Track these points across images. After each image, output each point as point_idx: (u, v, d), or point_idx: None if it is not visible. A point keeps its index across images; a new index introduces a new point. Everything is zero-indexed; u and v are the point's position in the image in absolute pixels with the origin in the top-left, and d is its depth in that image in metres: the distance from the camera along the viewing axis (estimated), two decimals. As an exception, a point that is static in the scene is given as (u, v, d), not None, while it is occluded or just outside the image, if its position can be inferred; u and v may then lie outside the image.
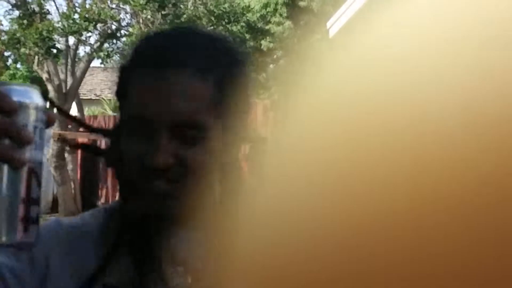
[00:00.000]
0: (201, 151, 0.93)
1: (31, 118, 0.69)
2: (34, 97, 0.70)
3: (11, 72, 29.32)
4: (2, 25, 15.97)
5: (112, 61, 7.11)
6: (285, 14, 16.28)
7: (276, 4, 16.25)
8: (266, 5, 16.35)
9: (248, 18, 7.68)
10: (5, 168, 0.67)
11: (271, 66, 17.27)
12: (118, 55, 6.93)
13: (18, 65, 30.07)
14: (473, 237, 0.30)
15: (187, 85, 0.92)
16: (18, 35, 7.52)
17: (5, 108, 0.67)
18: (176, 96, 0.91)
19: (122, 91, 0.99)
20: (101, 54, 6.91)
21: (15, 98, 0.68)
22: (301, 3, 15.92)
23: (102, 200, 13.51)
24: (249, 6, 7.19)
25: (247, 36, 8.05)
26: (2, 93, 0.68)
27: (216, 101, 0.93)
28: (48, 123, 0.73)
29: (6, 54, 21.98)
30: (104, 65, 8.46)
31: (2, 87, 0.68)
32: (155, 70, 0.92)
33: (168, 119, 0.90)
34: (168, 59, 0.92)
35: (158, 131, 0.90)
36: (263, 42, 15.33)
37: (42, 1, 9.01)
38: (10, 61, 28.36)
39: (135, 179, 0.93)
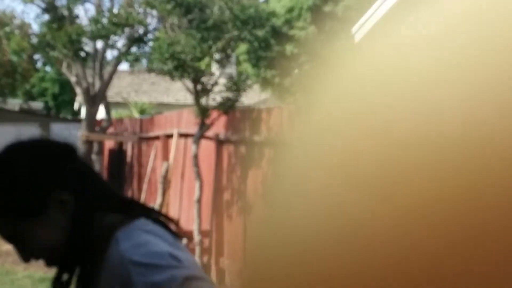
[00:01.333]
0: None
1: None
2: None
3: (40, 75, 29.75)
4: (31, 28, 16.25)
5: (139, 64, 7.23)
6: (309, 19, 16.31)
7: (301, 9, 16.30)
8: (290, 10, 16.39)
9: (273, 23, 7.73)
10: None
11: (296, 71, 17.29)
12: (146, 59, 7.03)
13: (47, 68, 30.47)
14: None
15: None
16: (48, 38, 7.67)
17: None
18: None
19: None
20: (129, 58, 7.01)
21: None
22: (326, 8, 15.94)
23: (128, 202, 13.62)
24: (274, 11, 7.25)
25: (272, 41, 8.11)
26: None
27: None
28: None
29: (35, 57, 22.27)
30: (132, 69, 8.59)
31: None
32: None
33: None
34: None
35: None
36: (287, 47, 15.37)
37: (71, 6, 9.17)
38: (39, 64, 28.78)
39: None
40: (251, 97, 22.28)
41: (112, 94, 22.41)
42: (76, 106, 24.09)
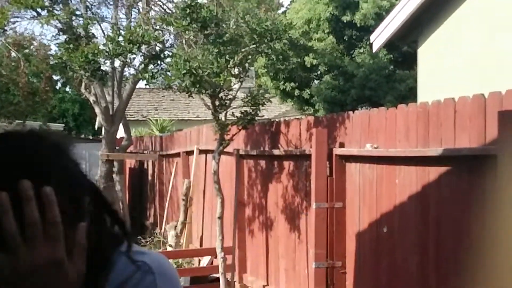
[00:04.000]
0: None
1: None
2: None
3: (60, 95, 29.98)
4: (50, 49, 16.36)
5: (156, 82, 7.17)
6: (327, 30, 16.23)
7: (319, 20, 16.22)
8: (309, 21, 16.33)
9: (290, 35, 7.64)
10: None
11: (315, 82, 17.20)
12: (162, 76, 6.97)
13: (67, 89, 30.73)
14: None
15: None
16: (64, 58, 7.65)
17: None
18: None
19: None
20: (146, 75, 6.95)
21: None
22: (344, 18, 15.85)
23: (151, 220, 13.59)
24: (291, 23, 7.17)
25: (290, 53, 8.03)
26: None
27: None
28: None
29: (55, 78, 22.42)
30: (150, 86, 8.57)
31: None
32: None
33: None
34: None
35: None
36: (306, 58, 15.29)
37: (87, 25, 9.16)
38: (59, 85, 29.00)
39: None
40: (272, 110, 22.26)
41: (132, 112, 22.51)
42: (96, 125, 24.23)
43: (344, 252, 5.91)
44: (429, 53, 8.55)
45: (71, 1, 10.22)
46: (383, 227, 5.32)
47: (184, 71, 6.22)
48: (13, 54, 13.89)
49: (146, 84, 8.10)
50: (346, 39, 16.31)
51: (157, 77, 6.85)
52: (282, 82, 16.82)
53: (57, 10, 9.52)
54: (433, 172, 4.65)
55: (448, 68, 8.00)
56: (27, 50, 15.70)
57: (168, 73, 6.76)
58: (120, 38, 6.83)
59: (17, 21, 10.74)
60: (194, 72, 6.26)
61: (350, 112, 6.04)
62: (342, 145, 5.98)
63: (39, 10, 9.61)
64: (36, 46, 15.56)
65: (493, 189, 3.76)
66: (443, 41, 8.25)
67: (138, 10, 11.55)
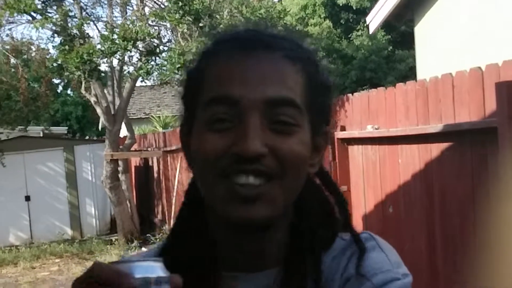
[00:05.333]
0: (296, 142, 0.81)
1: None
2: (156, 271, 0.72)
3: (62, 99, 29.97)
4: (49, 53, 16.33)
5: (152, 78, 7.15)
6: (324, 15, 16.17)
7: (315, 5, 16.16)
8: (305, 7, 16.27)
9: (285, 21, 7.61)
10: None
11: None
12: (157, 71, 6.95)
13: (69, 91, 30.76)
14: None
15: (279, 66, 0.83)
16: (59, 61, 7.63)
17: (124, 286, 0.68)
18: (268, 74, 0.82)
19: (199, 77, 0.88)
20: (141, 72, 6.93)
21: (139, 275, 0.70)
22: (340, 1, 15.79)
23: (159, 217, 13.59)
24: (285, 10, 7.13)
25: (287, 40, 7.98)
26: (124, 272, 0.69)
27: (305, 89, 0.85)
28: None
29: (56, 81, 22.40)
30: (145, 82, 8.53)
31: (126, 265, 0.71)
32: (242, 51, 0.83)
33: (261, 98, 0.80)
34: (256, 42, 0.85)
35: (247, 112, 0.79)
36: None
37: (82, 26, 9.12)
38: (60, 88, 29.01)
39: (216, 179, 0.81)
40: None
41: (134, 110, 22.50)
42: (100, 126, 24.28)
43: (352, 236, 5.89)
44: (426, 31, 8.49)
45: (64, 3, 10.19)
46: (389, 208, 5.30)
47: (179, 66, 6.20)
48: (12, 60, 13.87)
49: (142, 81, 8.08)
50: (343, 23, 16.24)
51: (153, 72, 6.83)
52: (282, 70, 16.80)
53: (50, 13, 9.48)
54: (435, 149, 4.61)
55: (445, 45, 7.95)
56: (25, 56, 15.68)
57: (164, 68, 6.74)
58: (115, 36, 6.81)
59: (13, 27, 10.70)
60: (189, 65, 6.24)
61: (349, 95, 6.00)
62: (343, 128, 5.95)
63: (33, 14, 9.58)
64: (34, 50, 15.53)
65: (496, 161, 3.73)
66: (438, 18, 8.19)
67: (133, 7, 11.51)
